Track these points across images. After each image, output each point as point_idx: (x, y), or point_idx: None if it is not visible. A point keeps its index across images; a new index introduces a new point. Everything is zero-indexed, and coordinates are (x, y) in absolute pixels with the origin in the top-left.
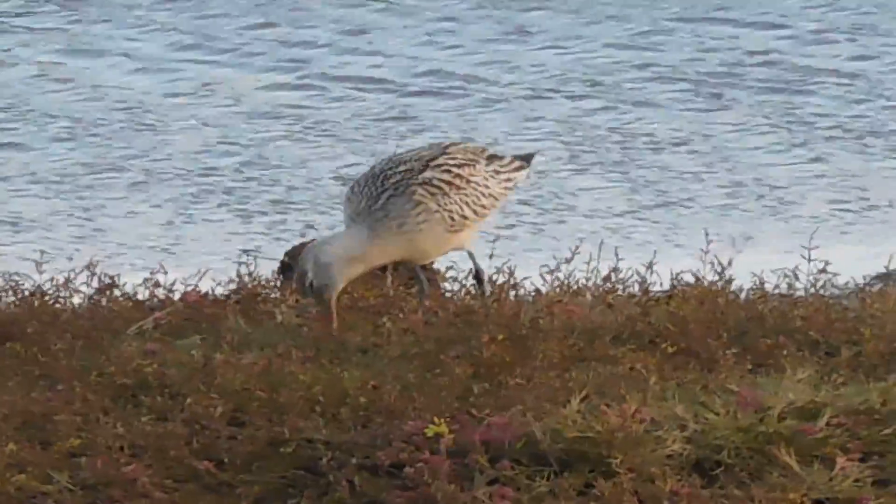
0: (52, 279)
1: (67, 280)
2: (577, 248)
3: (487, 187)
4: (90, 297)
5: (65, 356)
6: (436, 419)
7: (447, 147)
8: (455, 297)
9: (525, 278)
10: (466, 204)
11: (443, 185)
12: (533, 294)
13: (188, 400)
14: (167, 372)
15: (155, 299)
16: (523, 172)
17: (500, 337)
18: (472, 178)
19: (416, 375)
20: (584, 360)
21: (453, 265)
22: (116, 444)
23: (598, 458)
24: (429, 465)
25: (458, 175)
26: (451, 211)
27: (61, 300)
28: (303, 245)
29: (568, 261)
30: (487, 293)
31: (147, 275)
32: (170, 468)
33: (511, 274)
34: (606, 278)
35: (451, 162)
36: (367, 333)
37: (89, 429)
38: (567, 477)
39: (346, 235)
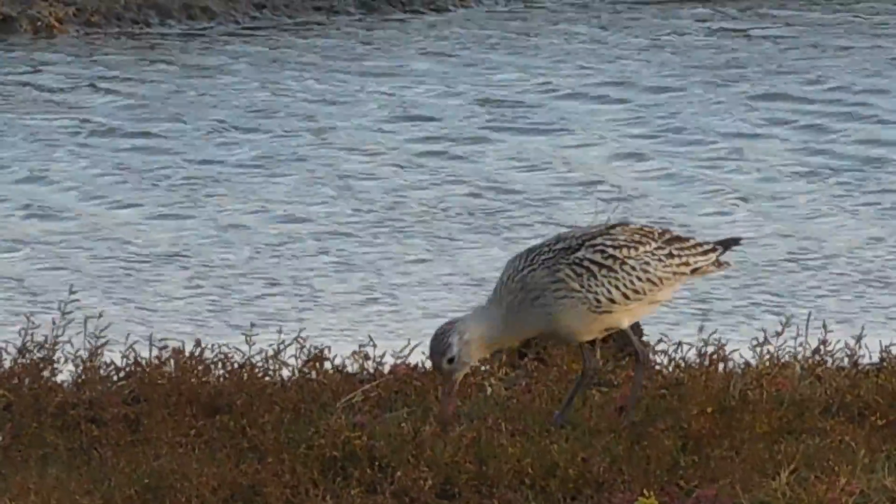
0: (261, 351)
1: (277, 352)
2: (786, 321)
3: (647, 271)
4: (299, 370)
5: (273, 429)
6: (645, 492)
7: (613, 226)
8: (664, 370)
9: (734, 350)
10: (616, 287)
11: (592, 266)
12: (742, 366)
13: (397, 472)
14: (376, 444)
15: (364, 372)
16: (711, 257)
17: (709, 409)
18: (628, 261)
19: (625, 448)
20: (793, 433)
21: (663, 338)
22: None
23: None
24: None
25: (611, 256)
26: (595, 293)
27: (270, 372)
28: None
29: (778, 334)
30: (640, 382)
31: (356, 347)
32: None
33: (720, 346)
34: (815, 351)
35: (609, 243)
36: (576, 406)
37: (298, 501)
38: None
39: (485, 313)
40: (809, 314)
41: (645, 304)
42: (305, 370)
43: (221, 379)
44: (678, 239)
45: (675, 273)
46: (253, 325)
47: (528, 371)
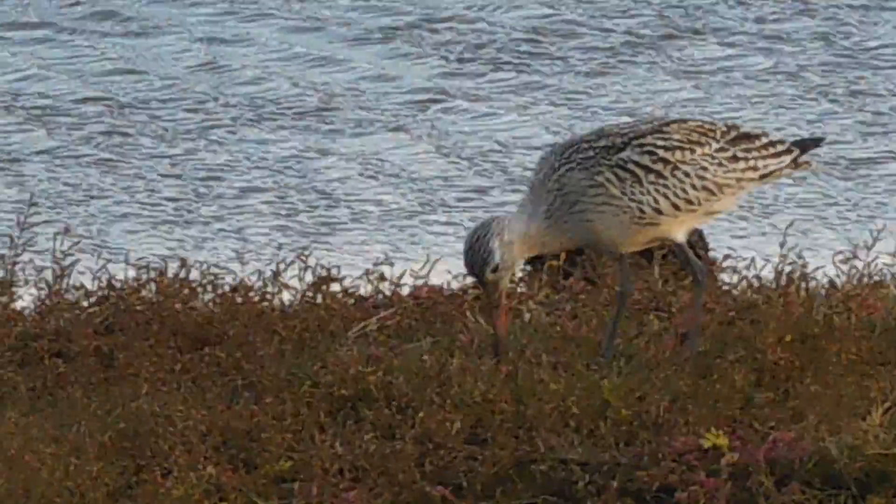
0: (257, 272)
1: (276, 273)
2: (879, 231)
3: (704, 178)
4: (303, 294)
5: (272, 363)
6: (713, 430)
7: (668, 123)
8: (734, 291)
9: (818, 268)
10: (665, 196)
11: (638, 169)
12: (826, 287)
13: (419, 414)
14: (394, 381)
15: (380, 296)
16: (785, 159)
17: (788, 337)
18: (682, 165)
19: (689, 383)
20: (888, 364)
21: (731, 252)
22: (334, 467)
23: None
24: (704, 488)
25: (662, 159)
26: (640, 202)
27: (268, 297)
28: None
29: (868, 247)
30: (702, 305)
31: (370, 266)
32: (398, 494)
33: (801, 263)
34: None
35: (661, 143)
36: (631, 334)
37: (302, 448)
38: (868, 502)
39: (526, 209)
40: None
41: (700, 216)
42: (310, 294)
43: (211, 305)
44: (746, 137)
45: (738, 180)
46: (248, 242)
47: (573, 293)
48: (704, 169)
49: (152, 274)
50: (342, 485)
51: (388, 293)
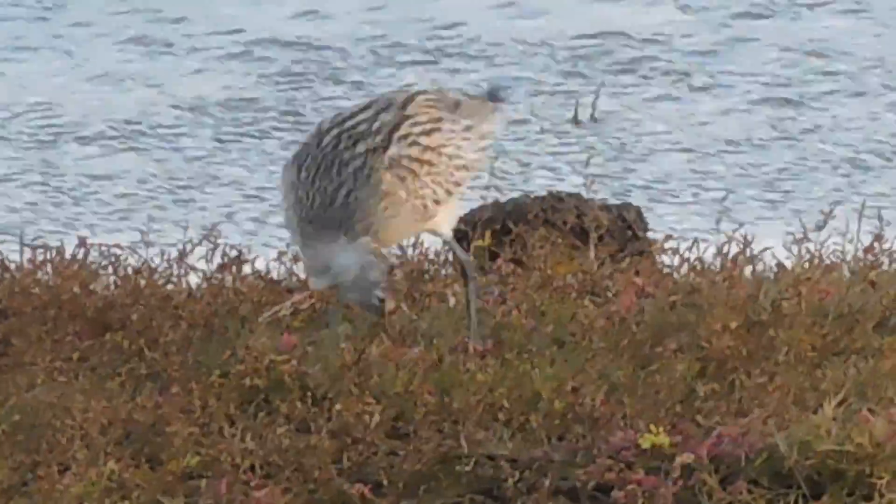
0: (162, 253)
1: (182, 254)
2: (831, 210)
3: (460, 157)
4: (211, 276)
5: (178, 351)
6: (652, 427)
7: (407, 103)
8: (675, 274)
9: (765, 249)
10: (439, 184)
11: (413, 164)
12: (774, 269)
13: (336, 406)
14: (309, 370)
15: (293, 278)
16: (497, 117)
17: (733, 324)
18: (442, 149)
19: (627, 374)
20: (841, 354)
21: (673, 232)
22: (245, 463)
23: (858, 477)
24: (643, 487)
25: (427, 147)
26: (423, 197)
27: (174, 279)
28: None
29: (819, 227)
30: (473, 299)
31: (283, 247)
32: (313, 492)
33: (747, 244)
34: (868, 249)
35: (417, 129)
36: (564, 320)
37: (210, 442)
38: (819, 501)
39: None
40: (863, 203)
41: (456, 199)
42: (219, 276)
43: (112, 287)
44: (457, 104)
45: (481, 150)
46: (153, 219)
47: (501, 276)
48: (459, 147)
49: (49, 254)
50: (253, 482)
51: (302, 275)
